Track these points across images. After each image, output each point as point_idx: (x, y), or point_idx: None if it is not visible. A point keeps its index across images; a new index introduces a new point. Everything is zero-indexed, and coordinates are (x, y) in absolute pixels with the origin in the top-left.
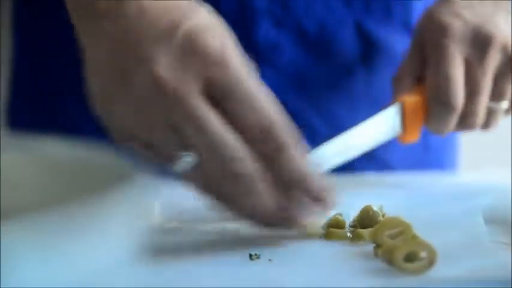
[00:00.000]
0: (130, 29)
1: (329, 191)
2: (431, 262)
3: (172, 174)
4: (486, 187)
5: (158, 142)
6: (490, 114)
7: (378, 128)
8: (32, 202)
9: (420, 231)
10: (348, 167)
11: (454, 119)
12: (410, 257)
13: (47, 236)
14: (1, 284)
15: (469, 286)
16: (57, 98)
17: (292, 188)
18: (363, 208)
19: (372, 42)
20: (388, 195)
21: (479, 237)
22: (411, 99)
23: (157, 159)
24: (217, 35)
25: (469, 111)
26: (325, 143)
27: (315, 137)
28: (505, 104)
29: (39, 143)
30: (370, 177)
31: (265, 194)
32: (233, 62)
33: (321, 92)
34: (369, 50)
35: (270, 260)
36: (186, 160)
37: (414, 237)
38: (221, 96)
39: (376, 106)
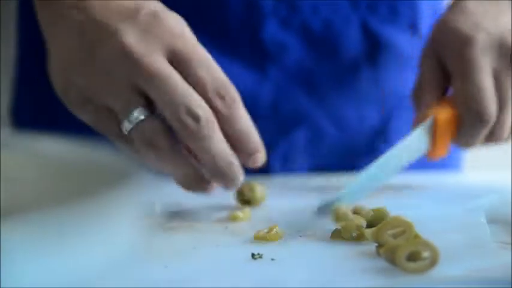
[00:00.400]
0: (97, 12)
1: (262, 149)
2: (433, 262)
3: (112, 139)
4: (489, 187)
5: (115, 103)
6: None
7: (411, 147)
8: (34, 201)
9: (422, 231)
10: (352, 168)
11: (485, 131)
12: (413, 257)
13: (48, 234)
14: (1, 284)
15: (471, 286)
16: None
17: (239, 139)
18: (377, 208)
19: (378, 42)
20: (391, 194)
21: (482, 237)
22: (443, 114)
23: (104, 123)
24: (175, 16)
25: (498, 123)
26: (363, 171)
27: (322, 136)
28: None
29: (42, 142)
30: None
31: (219, 139)
32: (191, 36)
33: (327, 91)
34: (375, 50)
35: (272, 259)
36: (137, 115)
37: (416, 236)
38: (182, 62)
39: (382, 105)
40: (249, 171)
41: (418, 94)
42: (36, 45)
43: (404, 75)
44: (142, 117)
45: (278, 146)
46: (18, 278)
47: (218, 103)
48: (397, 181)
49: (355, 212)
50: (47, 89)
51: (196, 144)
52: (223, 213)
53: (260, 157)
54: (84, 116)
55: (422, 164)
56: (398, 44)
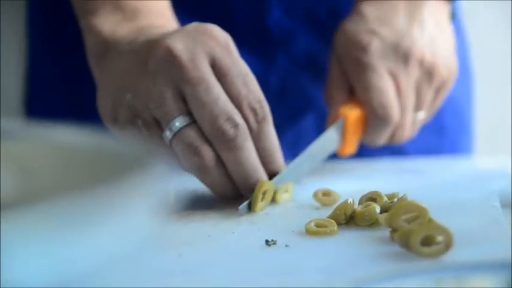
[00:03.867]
0: (145, 25)
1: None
2: (448, 246)
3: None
4: (500, 172)
5: (159, 111)
6: (412, 125)
7: (324, 145)
8: (48, 190)
9: (436, 215)
10: (362, 154)
11: (389, 132)
12: (427, 241)
13: (62, 223)
14: (8, 274)
15: (486, 270)
16: (72, 87)
17: (264, 156)
18: (392, 194)
19: None
20: (404, 180)
21: (496, 221)
22: (352, 113)
23: (151, 135)
24: (220, 29)
25: (400, 124)
26: (281, 172)
27: None
28: (422, 114)
29: (55, 132)
30: (386, 163)
31: (252, 151)
32: (234, 48)
33: None
34: None
35: (286, 245)
36: (178, 123)
37: (430, 221)
38: (221, 71)
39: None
40: None
41: (328, 95)
42: (47, 36)
43: None
44: (183, 123)
45: (286, 133)
46: (31, 265)
47: (250, 117)
48: (409, 166)
49: (371, 198)
50: (59, 79)
51: (232, 154)
52: (238, 202)
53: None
54: (134, 132)
55: (435, 149)
56: None
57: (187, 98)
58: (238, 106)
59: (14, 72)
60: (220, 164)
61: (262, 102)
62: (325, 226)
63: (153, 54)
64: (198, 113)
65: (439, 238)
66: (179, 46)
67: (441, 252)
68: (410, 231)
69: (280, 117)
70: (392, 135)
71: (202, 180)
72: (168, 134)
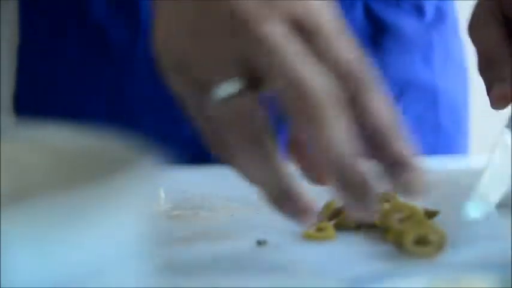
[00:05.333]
0: None
1: (415, 155)
2: (441, 245)
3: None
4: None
5: (212, 71)
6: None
7: None
8: (38, 189)
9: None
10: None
11: None
12: (420, 241)
13: (52, 223)
14: (1, 273)
15: (480, 269)
16: (61, 85)
17: (376, 137)
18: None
19: (382, 25)
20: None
21: (491, 221)
22: None
23: (193, 97)
24: None
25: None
26: None
27: None
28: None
29: (45, 131)
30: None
31: (347, 127)
32: (318, 3)
33: None
34: (379, 33)
35: (277, 245)
36: (232, 87)
37: (423, 220)
38: (308, 33)
39: (387, 90)
40: None
41: (487, 68)
42: (37, 33)
43: (408, 60)
44: (238, 88)
45: (282, 131)
46: (18, 268)
47: (348, 84)
48: None
49: (384, 199)
50: (49, 78)
51: (315, 126)
52: (230, 201)
53: (414, 168)
54: (175, 86)
55: (431, 148)
56: (403, 28)
57: (254, 64)
58: (332, 71)
59: (3, 70)
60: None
61: (362, 61)
62: (323, 230)
63: (217, 5)
64: (271, 74)
65: (432, 238)
66: (248, 3)
67: (434, 252)
68: (403, 231)
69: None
70: None
71: (241, 166)
72: (217, 96)
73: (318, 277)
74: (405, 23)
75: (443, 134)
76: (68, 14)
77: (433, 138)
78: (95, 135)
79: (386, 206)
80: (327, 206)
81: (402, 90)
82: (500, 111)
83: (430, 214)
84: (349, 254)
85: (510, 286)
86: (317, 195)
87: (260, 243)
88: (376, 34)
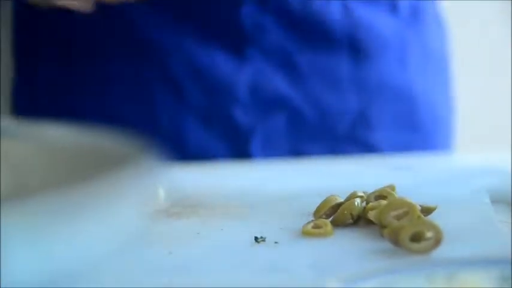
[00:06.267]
0: None
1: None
2: (437, 242)
3: None
4: (490, 168)
5: None
6: None
7: None
8: (36, 187)
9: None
10: (332, 152)
11: None
12: (417, 237)
13: (51, 220)
14: (1, 269)
15: (476, 266)
16: (59, 84)
17: None
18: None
19: (358, 24)
20: (392, 176)
21: (486, 217)
22: None
23: None
24: None
25: None
26: None
27: (302, 120)
28: None
29: (44, 129)
30: (375, 160)
31: None
32: None
33: (307, 74)
34: (355, 32)
35: (275, 242)
36: None
37: (420, 217)
38: None
39: (362, 88)
40: (229, 155)
41: None
42: (34, 30)
43: (384, 59)
44: None
45: (258, 131)
46: (17, 264)
47: None
48: (393, 163)
49: (380, 196)
50: (45, 76)
51: None
52: (228, 199)
53: None
54: None
55: (409, 145)
56: (379, 26)
57: None
58: None
59: (5, 70)
60: None
61: None
62: (321, 227)
63: None
64: None
65: (429, 234)
66: None
67: (431, 248)
68: (399, 228)
69: (252, 114)
70: None
71: None
72: None
73: (315, 274)
74: (381, 21)
75: (421, 132)
76: (63, 19)
77: (410, 136)
78: (94, 134)
79: (383, 202)
80: (325, 203)
81: (378, 88)
82: (486, 107)
83: (427, 210)
84: (346, 251)
85: (507, 282)
86: (316, 194)
87: (258, 240)
88: (352, 32)
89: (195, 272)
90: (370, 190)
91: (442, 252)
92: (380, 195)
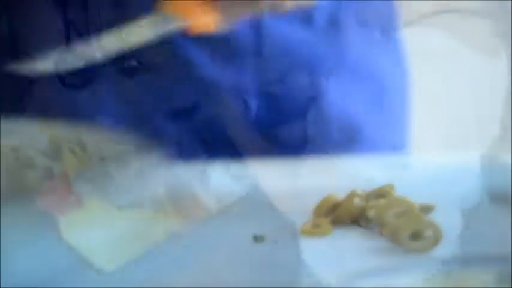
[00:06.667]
0: None
1: None
2: (436, 240)
3: None
4: (489, 167)
5: None
6: None
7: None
8: (36, 188)
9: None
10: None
11: None
12: (416, 236)
13: (48, 219)
14: (1, 265)
15: (476, 264)
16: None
17: None
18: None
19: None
20: (390, 175)
21: (484, 216)
22: None
23: None
24: None
25: None
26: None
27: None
28: None
29: (43, 129)
30: (376, 158)
31: None
32: None
33: None
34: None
35: (275, 241)
36: None
37: (419, 216)
38: None
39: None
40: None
41: None
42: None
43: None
44: None
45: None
46: (17, 261)
47: None
48: (395, 161)
49: (379, 194)
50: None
51: None
52: (227, 197)
53: None
54: None
55: (373, 147)
56: (293, 41)
57: None
58: None
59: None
60: None
61: None
62: (320, 226)
63: None
64: None
65: (428, 233)
66: None
67: (430, 246)
68: (399, 226)
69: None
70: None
71: None
72: None
73: (315, 272)
74: (295, 35)
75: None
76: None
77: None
78: (94, 134)
79: (382, 201)
80: (324, 202)
81: (307, 105)
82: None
83: (426, 209)
84: (345, 250)
85: (506, 281)
86: (315, 193)
87: (257, 239)
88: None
89: (194, 270)
90: (369, 189)
91: (440, 250)
92: (379, 194)
